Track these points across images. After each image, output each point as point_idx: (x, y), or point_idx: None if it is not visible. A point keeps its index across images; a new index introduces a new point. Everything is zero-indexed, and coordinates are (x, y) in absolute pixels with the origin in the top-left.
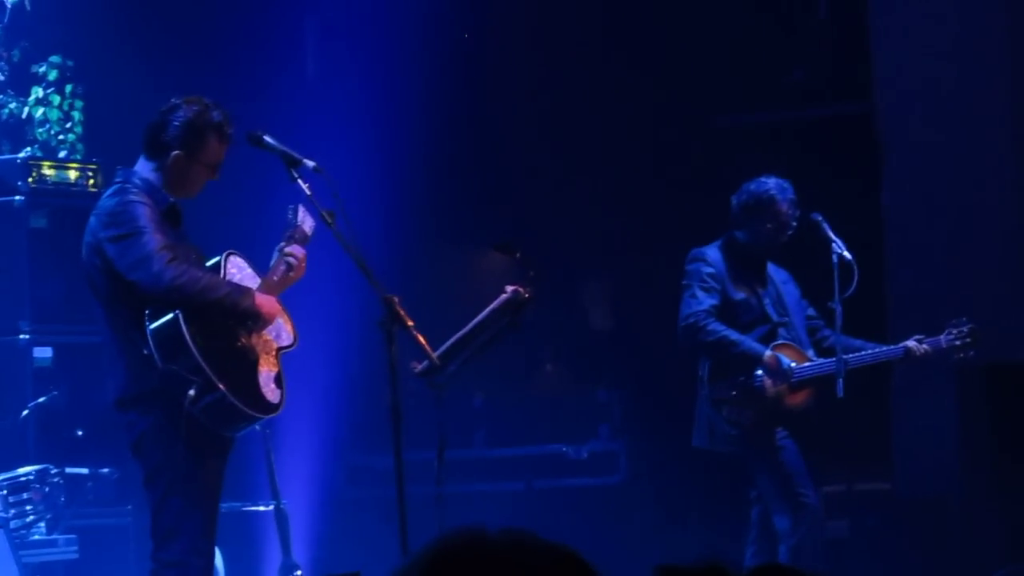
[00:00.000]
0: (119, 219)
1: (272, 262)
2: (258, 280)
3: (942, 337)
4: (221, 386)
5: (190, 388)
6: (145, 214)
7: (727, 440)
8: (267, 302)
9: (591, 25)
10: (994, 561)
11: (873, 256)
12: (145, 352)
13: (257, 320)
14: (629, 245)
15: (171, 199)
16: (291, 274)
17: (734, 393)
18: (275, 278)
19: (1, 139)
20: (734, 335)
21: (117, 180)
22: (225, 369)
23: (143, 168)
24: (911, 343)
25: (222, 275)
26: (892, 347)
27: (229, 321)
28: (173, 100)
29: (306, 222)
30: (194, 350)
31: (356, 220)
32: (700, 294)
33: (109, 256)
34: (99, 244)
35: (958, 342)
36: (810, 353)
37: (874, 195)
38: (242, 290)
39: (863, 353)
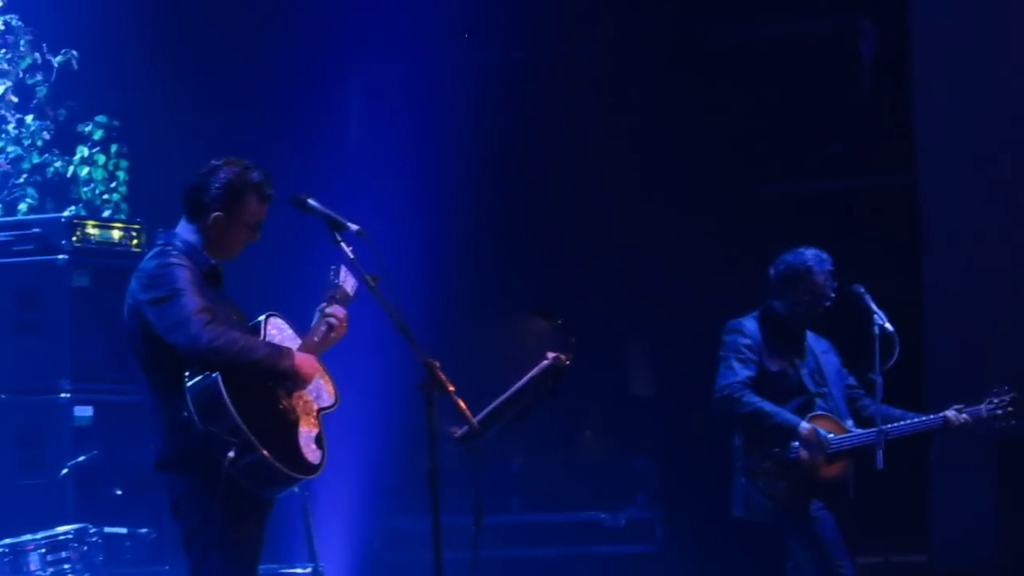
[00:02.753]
0: (158, 281)
1: (313, 323)
2: (299, 341)
3: (983, 406)
4: (260, 447)
5: (229, 450)
6: (184, 276)
7: (763, 511)
8: (306, 362)
9: (635, 93)
10: None
11: (911, 326)
12: (184, 414)
13: (296, 380)
14: (669, 313)
15: (212, 261)
16: (332, 334)
17: (769, 464)
18: (316, 339)
19: (45, 198)
20: (769, 407)
21: (158, 242)
22: (264, 430)
23: (184, 230)
24: (950, 413)
25: (263, 336)
26: (932, 416)
27: (268, 382)
28: (213, 162)
29: (348, 282)
30: (233, 411)
31: (398, 283)
32: (736, 365)
33: (148, 318)
34: (139, 306)
35: (999, 411)
36: (849, 424)
37: (913, 266)
38: (280, 350)
39: (902, 423)
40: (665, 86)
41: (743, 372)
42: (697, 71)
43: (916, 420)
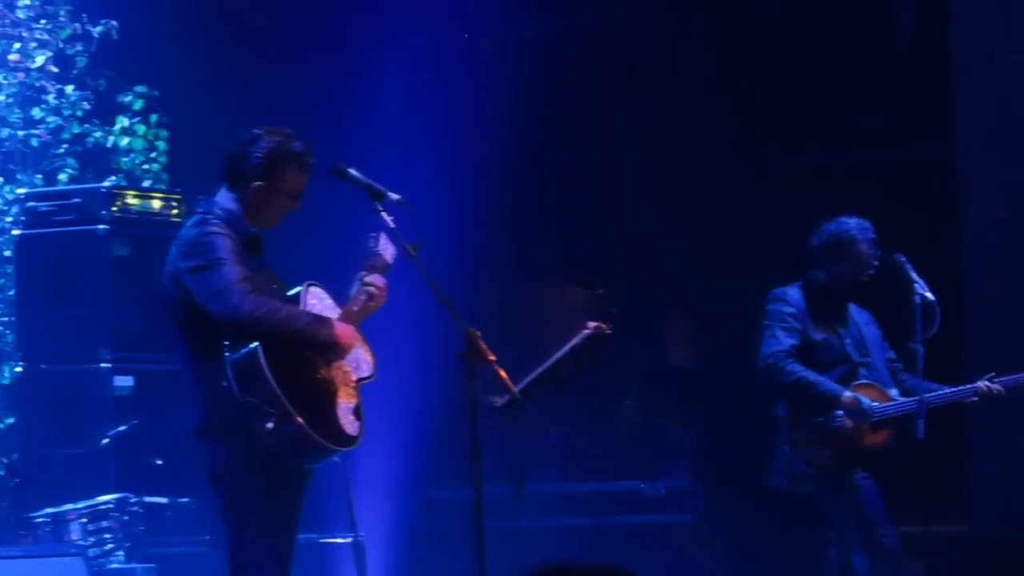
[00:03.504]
0: (199, 250)
1: (352, 292)
2: (338, 310)
3: (1021, 375)
4: (299, 418)
5: (268, 420)
6: (225, 245)
7: (806, 480)
8: (346, 331)
9: (672, 61)
10: None
11: (951, 296)
12: (223, 383)
13: (335, 350)
14: (708, 283)
15: (252, 229)
16: (371, 303)
17: (812, 433)
18: (355, 308)
19: (85, 168)
20: (813, 376)
21: (198, 210)
22: (303, 401)
23: (224, 198)
24: (982, 383)
25: (302, 305)
26: (964, 387)
27: (308, 352)
28: (254, 130)
29: (387, 251)
30: (272, 382)
31: (438, 253)
32: (780, 334)
33: (188, 287)
34: (179, 274)
35: None
36: (893, 392)
37: (952, 235)
38: (321, 320)
39: (942, 392)
40: (701, 56)
41: (787, 341)
42: (734, 40)
43: (952, 391)
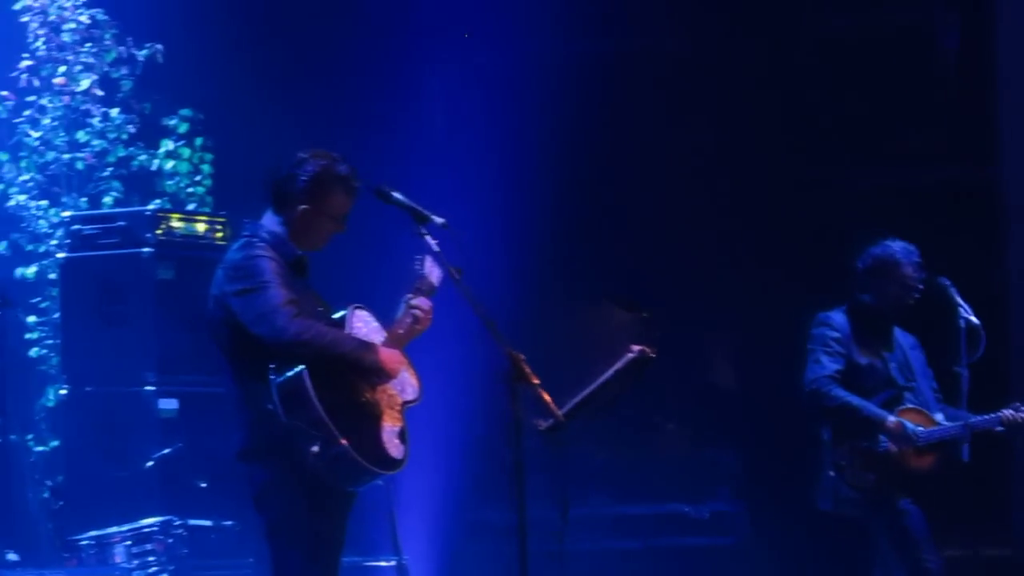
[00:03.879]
0: (244, 273)
1: (398, 314)
2: (383, 333)
3: None
4: (343, 442)
5: (312, 443)
6: (270, 268)
7: (851, 504)
8: (391, 357)
9: (718, 84)
10: None
11: (996, 320)
12: (268, 406)
13: (380, 376)
14: (753, 306)
15: (298, 252)
16: (417, 326)
17: (857, 458)
18: (400, 330)
19: (130, 191)
20: (857, 401)
21: (244, 233)
22: (348, 425)
23: (270, 221)
24: (1007, 411)
25: (347, 328)
26: (991, 416)
27: (352, 376)
28: (300, 154)
29: (433, 273)
30: (317, 405)
31: (482, 275)
32: (824, 359)
33: (234, 310)
34: (224, 298)
35: None
36: (938, 417)
37: (997, 259)
38: (366, 345)
39: (985, 418)
40: (747, 79)
41: (831, 366)
42: (780, 63)
43: (982, 419)
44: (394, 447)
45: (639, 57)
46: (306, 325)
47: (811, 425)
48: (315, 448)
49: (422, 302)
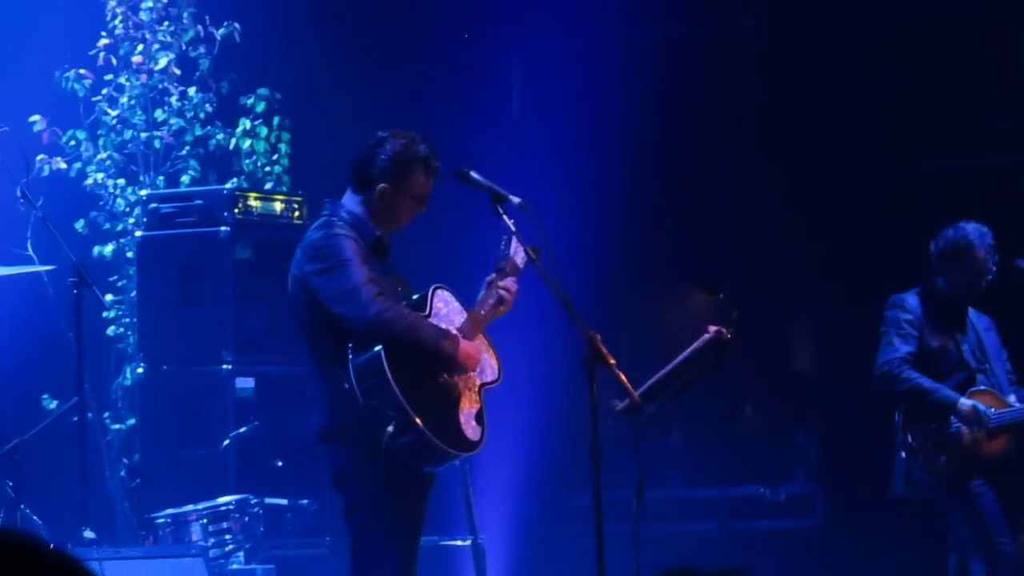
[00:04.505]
0: (324, 252)
1: (480, 295)
2: (464, 314)
3: None
4: (420, 423)
5: (388, 424)
6: (351, 248)
7: (925, 487)
8: (470, 350)
9: (796, 66)
10: None
11: None
12: (346, 386)
13: (454, 368)
14: (831, 289)
15: (378, 232)
16: (500, 308)
17: (929, 441)
18: (482, 311)
19: (208, 170)
20: (928, 383)
21: (324, 213)
22: (425, 406)
23: (350, 201)
24: None
25: (428, 309)
26: None
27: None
28: (380, 134)
29: (518, 255)
30: (395, 386)
31: (559, 257)
32: (896, 341)
33: (315, 288)
34: (304, 277)
35: None
36: (1011, 399)
37: None
38: (446, 335)
39: None
40: (827, 61)
41: (903, 348)
42: (860, 45)
43: None
44: (471, 429)
45: (715, 41)
46: (387, 305)
47: (887, 407)
48: (390, 428)
49: (509, 283)
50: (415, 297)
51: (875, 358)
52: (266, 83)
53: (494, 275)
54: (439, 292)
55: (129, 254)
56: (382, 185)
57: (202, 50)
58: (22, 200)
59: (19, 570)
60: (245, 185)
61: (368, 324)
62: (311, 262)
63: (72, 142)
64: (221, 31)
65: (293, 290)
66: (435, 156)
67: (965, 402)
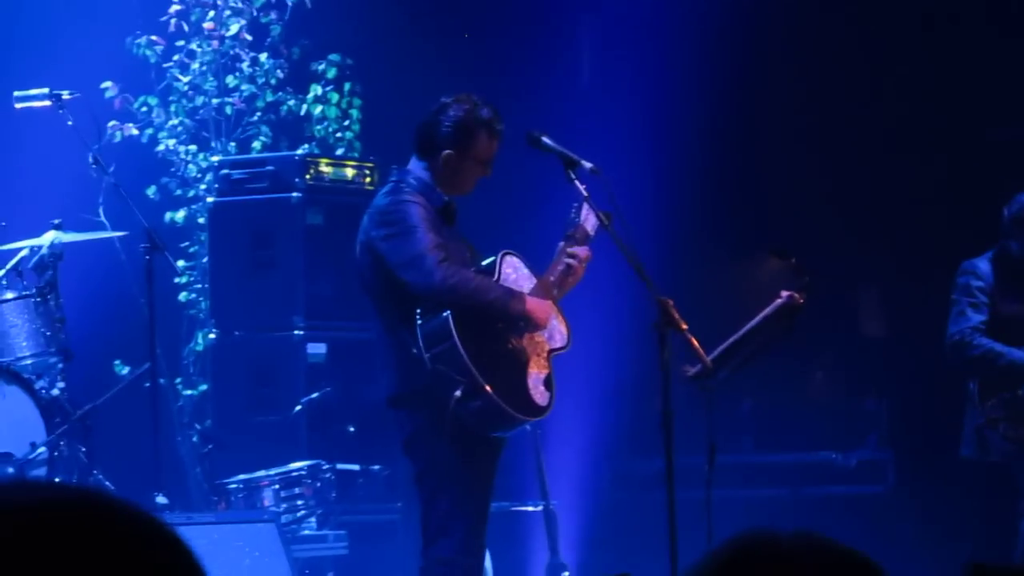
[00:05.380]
0: (392, 218)
1: (552, 261)
2: (534, 280)
3: None
4: (487, 388)
5: (456, 389)
6: (418, 213)
7: (998, 452)
8: (540, 307)
9: (864, 34)
10: None
11: None
12: (414, 351)
13: (528, 324)
14: (903, 255)
15: (445, 198)
16: (570, 277)
17: (1003, 408)
18: (552, 278)
19: (279, 136)
20: (1000, 347)
21: (392, 179)
22: (493, 371)
23: (416, 167)
24: None
25: (497, 275)
26: None
27: (499, 323)
28: (443, 99)
29: (589, 221)
30: (462, 351)
31: (630, 223)
32: (968, 311)
33: (381, 254)
34: (372, 243)
35: None
36: None
37: None
38: (513, 294)
39: None
40: (898, 28)
41: (975, 317)
42: (928, 14)
43: None
44: (539, 394)
45: (786, 7)
46: (453, 270)
47: (959, 373)
48: (458, 393)
49: (579, 251)
50: (484, 263)
51: (946, 324)
52: (337, 49)
53: (565, 242)
54: (508, 258)
55: (201, 220)
56: (447, 151)
57: (273, 16)
58: (94, 166)
59: (105, 531)
60: (316, 151)
61: (432, 290)
62: (378, 227)
63: (144, 108)
64: None
65: (361, 255)
66: (499, 119)
67: None
